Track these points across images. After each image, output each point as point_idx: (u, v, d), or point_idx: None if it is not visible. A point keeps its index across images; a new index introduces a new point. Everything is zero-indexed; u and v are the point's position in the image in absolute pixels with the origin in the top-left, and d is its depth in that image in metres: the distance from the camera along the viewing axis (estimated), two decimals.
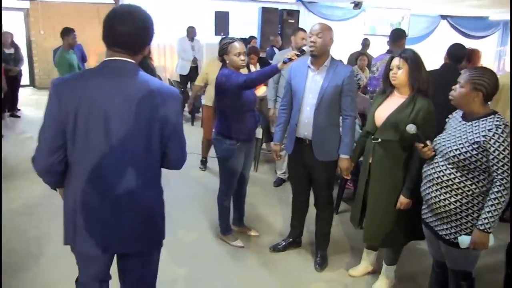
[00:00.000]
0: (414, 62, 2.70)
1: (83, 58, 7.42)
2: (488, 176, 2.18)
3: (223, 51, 3.28)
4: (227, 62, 3.29)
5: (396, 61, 2.75)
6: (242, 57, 3.24)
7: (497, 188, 2.13)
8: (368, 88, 5.22)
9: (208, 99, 5.06)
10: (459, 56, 4.04)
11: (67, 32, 5.81)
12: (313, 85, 3.07)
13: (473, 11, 11.87)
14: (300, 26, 10.62)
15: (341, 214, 4.35)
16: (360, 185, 3.03)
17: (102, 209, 1.79)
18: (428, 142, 2.40)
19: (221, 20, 10.04)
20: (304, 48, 3.06)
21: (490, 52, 13.52)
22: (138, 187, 1.81)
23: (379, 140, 2.81)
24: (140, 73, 1.77)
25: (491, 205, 2.13)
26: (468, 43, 12.19)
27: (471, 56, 5.03)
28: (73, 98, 1.67)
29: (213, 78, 3.75)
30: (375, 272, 3.28)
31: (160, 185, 1.95)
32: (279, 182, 5.09)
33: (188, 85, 8.60)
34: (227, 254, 3.57)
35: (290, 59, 2.96)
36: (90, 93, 1.68)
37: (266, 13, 10.49)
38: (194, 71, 8.72)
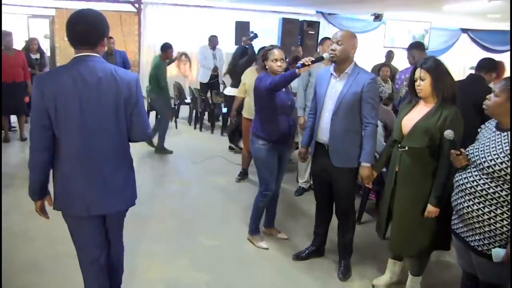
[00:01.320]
0: (436, 71, 2.68)
1: (125, 65, 7.57)
2: None
3: (264, 57, 3.50)
4: (267, 67, 3.49)
5: (418, 72, 2.73)
6: (279, 63, 3.42)
7: None
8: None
9: (246, 111, 5.03)
10: (487, 67, 4.02)
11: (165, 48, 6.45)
12: (333, 91, 3.10)
13: (494, 25, 11.75)
14: (320, 37, 10.73)
15: (364, 224, 4.31)
16: (386, 194, 2.99)
17: (84, 175, 2.15)
18: (462, 150, 2.38)
19: (242, 30, 10.07)
20: (323, 55, 3.11)
21: (510, 67, 13.37)
22: (111, 156, 2.19)
23: (406, 148, 2.79)
24: (104, 63, 2.15)
25: None
26: (491, 57, 12.06)
27: (498, 68, 4.99)
28: (52, 88, 2.03)
29: (250, 88, 3.83)
30: (400, 282, 3.23)
31: (129, 155, 2.32)
32: (300, 192, 5.07)
33: (208, 93, 8.66)
34: (249, 259, 3.56)
35: (304, 65, 3.02)
36: (65, 83, 2.04)
37: (287, 23, 10.52)
38: (214, 79, 8.78)
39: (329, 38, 4.64)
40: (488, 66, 4.03)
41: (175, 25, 10.79)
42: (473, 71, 4.10)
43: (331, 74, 3.15)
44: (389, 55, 8.76)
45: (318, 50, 3.18)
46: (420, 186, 2.77)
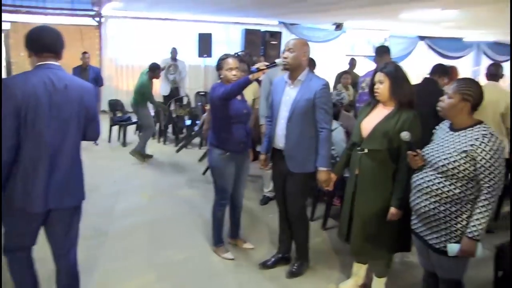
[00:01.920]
0: (394, 76, 2.76)
1: (97, 81, 7.54)
2: (476, 184, 2.22)
3: (218, 66, 3.49)
4: (221, 76, 3.48)
5: (377, 76, 2.82)
6: (234, 72, 3.42)
7: (485, 196, 2.17)
8: (357, 104, 5.26)
9: None
10: (440, 72, 4.23)
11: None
12: (287, 98, 3.16)
13: (449, 32, 12.20)
14: (282, 47, 10.81)
15: (329, 230, 4.35)
16: (347, 198, 3.04)
17: (46, 173, 2.27)
18: (418, 151, 2.44)
19: (205, 42, 10.14)
20: (276, 60, 3.15)
21: (465, 72, 13.89)
22: (70, 155, 2.36)
23: (366, 150, 2.84)
24: (65, 72, 2.34)
25: (479, 213, 2.18)
26: (445, 63, 12.50)
27: (450, 72, 5.21)
28: (25, 90, 2.16)
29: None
30: (366, 286, 3.27)
31: (80, 155, 2.48)
32: (265, 200, 5.07)
33: (172, 106, 8.63)
34: (216, 271, 3.54)
35: (259, 69, 3.05)
36: (37, 86, 2.19)
37: (249, 34, 10.65)
38: (175, 91, 8.74)
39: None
40: (440, 71, 4.26)
41: (136, 39, 10.72)
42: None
43: (286, 81, 3.20)
44: (352, 62, 8.96)
45: (276, 61, 3.19)
46: (380, 188, 2.82)
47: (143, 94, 6.56)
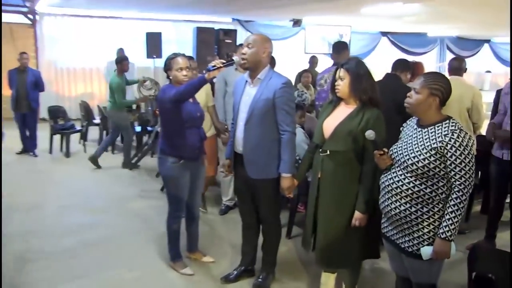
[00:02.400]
0: (355, 72, 2.80)
1: (37, 85, 7.37)
2: (447, 182, 2.28)
3: (167, 66, 3.43)
4: (171, 78, 3.43)
5: (338, 72, 2.87)
6: (184, 72, 3.36)
7: (456, 194, 2.23)
8: (317, 102, 5.33)
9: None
10: (402, 67, 4.38)
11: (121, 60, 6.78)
12: (247, 98, 3.14)
13: (412, 27, 12.59)
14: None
15: (295, 238, 4.37)
16: (310, 203, 3.05)
17: None
18: (385, 150, 2.48)
19: (153, 42, 10.02)
20: (234, 58, 3.14)
21: (430, 68, 14.38)
22: None
23: (328, 152, 2.86)
24: None
25: (451, 212, 2.23)
26: (410, 59, 12.86)
27: (414, 69, 5.37)
28: None
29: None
30: None
31: None
32: (225, 210, 5.05)
33: None
34: None
35: (215, 67, 3.02)
36: None
37: (202, 33, 10.62)
38: None
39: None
40: (402, 66, 4.38)
41: (78, 39, 10.50)
42: None
43: (246, 80, 3.19)
44: (313, 60, 9.09)
45: (234, 58, 3.19)
46: (345, 192, 2.85)
47: (120, 92, 6.55)
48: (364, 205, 2.78)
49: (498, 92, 4.09)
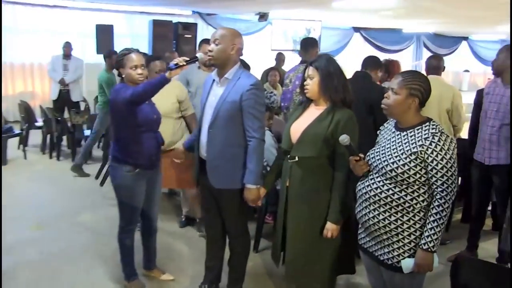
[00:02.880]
0: (326, 70, 2.82)
1: None
2: (428, 189, 2.33)
3: (119, 64, 3.34)
4: (123, 76, 3.36)
5: (307, 71, 2.88)
6: (139, 71, 3.29)
7: (438, 202, 2.27)
8: (282, 103, 5.33)
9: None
10: (372, 65, 4.44)
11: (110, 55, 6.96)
12: (213, 99, 3.12)
13: (387, 23, 12.83)
14: (198, 40, 10.81)
15: (263, 252, 4.38)
16: (279, 214, 3.06)
17: None
18: (361, 155, 2.51)
19: (104, 35, 9.84)
20: (198, 55, 3.14)
21: (406, 67, 14.69)
22: None
23: (296, 158, 2.87)
24: None
25: (433, 221, 2.27)
26: (384, 57, 13.10)
27: (390, 67, 5.48)
28: None
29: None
30: None
31: None
32: (185, 223, 5.01)
33: (66, 114, 8.29)
34: None
35: (177, 65, 2.98)
36: None
37: (158, 26, 10.48)
38: (66, 95, 8.40)
39: (207, 41, 4.71)
40: (372, 64, 4.43)
41: (18, 31, 10.21)
42: None
43: (214, 79, 3.16)
44: (279, 57, 9.12)
45: (198, 55, 3.18)
46: (315, 201, 2.86)
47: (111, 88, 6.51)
48: (336, 214, 2.79)
49: (479, 93, 4.20)
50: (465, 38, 16.72)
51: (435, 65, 4.48)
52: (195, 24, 11.04)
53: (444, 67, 4.56)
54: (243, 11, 11.52)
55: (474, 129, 4.19)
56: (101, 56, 10.09)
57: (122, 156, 3.37)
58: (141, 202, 3.50)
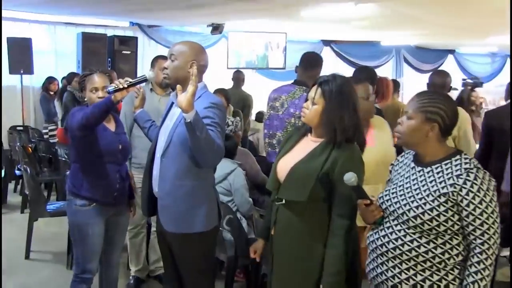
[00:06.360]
0: (335, 102, 2.60)
1: None
2: (463, 240, 2.24)
3: (80, 86, 3.56)
4: (85, 99, 3.54)
5: (312, 92, 2.68)
6: (100, 94, 3.41)
7: (478, 258, 2.18)
8: (265, 130, 5.01)
9: None
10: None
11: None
12: (168, 124, 3.13)
13: (360, 35, 13.02)
14: (138, 58, 10.70)
15: None
16: (269, 267, 2.95)
17: None
18: (373, 198, 2.42)
19: (19, 51, 9.58)
20: (146, 73, 3.16)
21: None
22: None
23: (283, 201, 2.73)
24: None
25: (473, 283, 2.16)
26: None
27: (379, 86, 5.41)
28: None
29: None
30: None
31: None
32: (135, 284, 4.84)
33: None
34: None
35: (116, 89, 3.03)
36: None
37: (89, 41, 10.30)
38: None
39: (164, 57, 4.59)
40: (361, 74, 4.36)
41: None
42: None
43: (173, 102, 3.14)
44: (238, 77, 9.03)
45: (146, 73, 3.12)
46: (306, 258, 2.69)
47: None
48: (331, 278, 2.59)
49: (490, 115, 4.19)
50: (452, 51, 17.12)
51: (440, 83, 4.45)
52: (135, 38, 10.92)
53: (451, 86, 4.53)
54: (192, 22, 11.47)
55: (485, 158, 4.15)
56: (16, 77, 9.84)
57: (76, 188, 3.47)
58: (99, 245, 3.54)
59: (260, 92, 10.20)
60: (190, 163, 2.99)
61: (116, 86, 3.02)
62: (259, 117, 9.59)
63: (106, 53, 10.40)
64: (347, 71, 13.11)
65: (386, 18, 9.58)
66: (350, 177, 2.37)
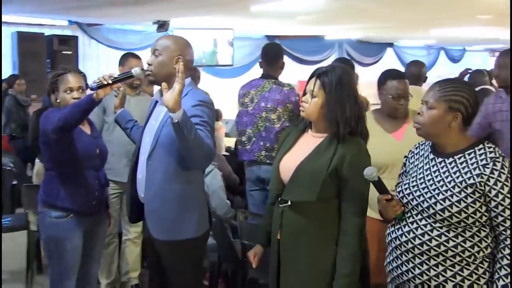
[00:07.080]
0: (335, 93, 2.54)
1: None
2: (490, 231, 2.24)
3: (52, 86, 3.39)
4: (58, 100, 3.38)
5: (311, 85, 2.60)
6: (75, 94, 3.30)
7: (508, 249, 2.17)
8: (237, 127, 4.96)
9: None
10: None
11: None
12: (153, 124, 3.05)
13: (307, 29, 13.11)
14: (80, 58, 10.47)
15: None
16: (271, 277, 2.83)
17: None
18: (393, 193, 2.39)
19: None
20: (132, 70, 3.06)
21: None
22: None
23: (289, 202, 2.65)
24: None
25: (506, 276, 2.16)
26: (303, 70, 13.35)
27: None
28: None
29: None
30: None
31: None
32: None
33: None
34: None
35: (99, 84, 2.88)
36: None
37: (26, 41, 10.15)
38: None
39: (134, 55, 4.68)
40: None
41: None
42: None
43: (157, 100, 3.09)
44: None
45: (133, 70, 3.02)
46: (316, 260, 2.63)
47: None
48: (346, 279, 2.53)
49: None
50: (390, 45, 17.50)
51: (416, 74, 4.48)
52: (75, 38, 10.74)
53: (426, 77, 4.57)
54: (136, 20, 11.29)
55: None
56: None
57: (51, 198, 3.35)
58: (77, 260, 3.41)
59: (208, 91, 10.10)
60: (178, 166, 2.92)
61: (100, 82, 2.87)
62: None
63: (45, 54, 10.20)
64: (291, 66, 13.25)
65: (333, 12, 9.64)
66: (371, 172, 2.33)
